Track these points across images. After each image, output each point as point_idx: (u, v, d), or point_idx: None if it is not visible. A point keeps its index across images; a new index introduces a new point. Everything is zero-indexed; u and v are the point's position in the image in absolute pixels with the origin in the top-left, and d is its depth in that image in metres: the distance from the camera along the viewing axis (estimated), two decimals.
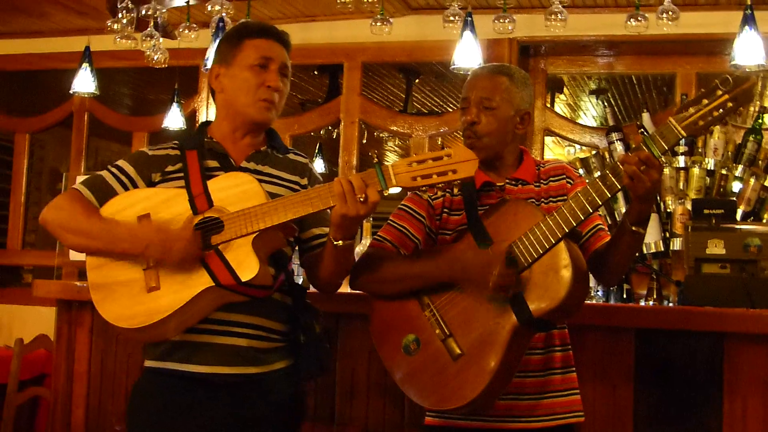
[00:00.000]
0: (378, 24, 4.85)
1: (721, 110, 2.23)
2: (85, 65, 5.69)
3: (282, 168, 2.67)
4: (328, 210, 2.47)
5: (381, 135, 8.21)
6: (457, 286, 2.47)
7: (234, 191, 2.46)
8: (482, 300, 2.40)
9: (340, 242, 2.44)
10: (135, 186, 2.57)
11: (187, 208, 2.46)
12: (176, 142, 2.68)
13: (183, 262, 2.37)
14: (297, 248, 2.76)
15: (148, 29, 5.06)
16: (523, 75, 2.70)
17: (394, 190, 2.36)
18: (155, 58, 5.23)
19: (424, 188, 2.32)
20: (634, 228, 2.38)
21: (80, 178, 2.66)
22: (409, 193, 2.71)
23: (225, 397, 2.49)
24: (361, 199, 2.31)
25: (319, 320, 2.63)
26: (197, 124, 3.26)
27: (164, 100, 6.74)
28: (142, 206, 2.48)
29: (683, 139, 2.27)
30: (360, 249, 4.01)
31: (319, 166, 8.81)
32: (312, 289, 2.76)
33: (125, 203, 2.51)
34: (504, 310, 2.35)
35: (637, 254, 2.66)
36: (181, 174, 2.55)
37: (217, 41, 2.78)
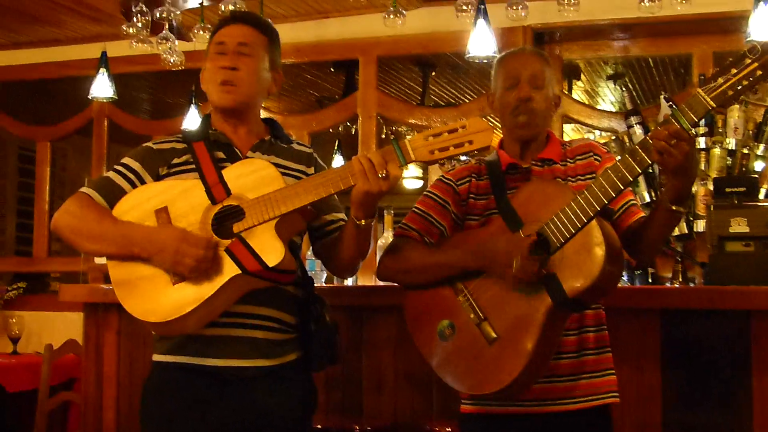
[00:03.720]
0: (391, 17, 4.84)
1: (750, 79, 2.18)
2: (102, 71, 5.72)
3: (287, 157, 2.65)
4: (336, 196, 2.49)
5: (399, 128, 8.21)
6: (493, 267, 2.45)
7: (251, 178, 2.44)
8: (516, 282, 2.38)
9: (363, 221, 2.43)
10: (143, 182, 2.54)
11: (204, 198, 2.44)
12: (179, 135, 2.66)
13: (192, 273, 2.34)
14: (308, 237, 2.74)
15: (163, 32, 5.08)
16: (552, 61, 2.72)
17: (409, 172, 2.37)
18: (171, 60, 5.25)
19: (442, 161, 2.33)
20: (674, 207, 2.34)
21: None
22: (435, 179, 2.72)
23: (239, 391, 2.47)
24: (382, 176, 2.31)
25: (327, 310, 2.62)
26: None
27: (182, 103, 6.78)
28: (158, 200, 2.45)
29: (713, 110, 2.21)
30: (382, 242, 4.02)
31: (338, 162, 8.82)
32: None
33: (141, 198, 2.49)
34: (538, 291, 2.33)
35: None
36: (189, 166, 2.53)
37: None
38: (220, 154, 2.57)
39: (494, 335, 2.40)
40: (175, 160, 2.57)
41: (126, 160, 2.60)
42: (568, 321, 2.46)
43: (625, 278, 4.58)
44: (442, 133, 2.32)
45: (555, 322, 2.36)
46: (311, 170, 2.67)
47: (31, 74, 6.95)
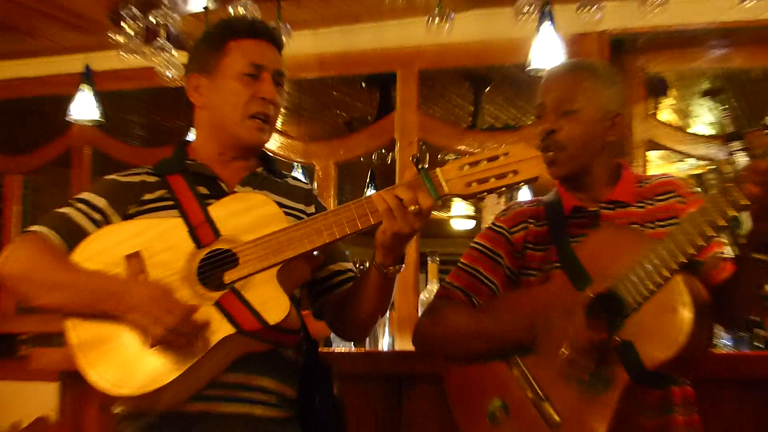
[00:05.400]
0: (436, 22, 4.87)
1: None
2: (84, 87, 5.77)
3: (283, 194, 2.63)
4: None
5: (446, 158, 8.24)
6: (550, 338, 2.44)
7: (247, 217, 2.43)
8: (581, 356, 2.36)
9: (391, 268, 2.42)
10: (109, 223, 2.50)
11: (187, 241, 2.41)
12: (149, 167, 2.65)
13: (162, 343, 2.28)
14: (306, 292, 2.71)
15: (159, 41, 5.13)
16: (609, 69, 2.69)
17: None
18: (168, 75, 5.30)
19: (482, 195, 2.31)
20: (755, 255, 2.31)
21: None
22: (483, 228, 2.71)
23: None
24: (414, 210, 2.29)
25: (336, 380, 2.58)
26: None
27: (181, 127, 6.82)
28: (131, 243, 2.40)
29: None
30: (425, 296, 4.02)
31: None
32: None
33: (109, 241, 2.43)
34: (611, 364, 2.31)
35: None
36: (165, 203, 2.51)
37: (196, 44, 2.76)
38: (203, 189, 2.56)
39: (557, 419, 2.39)
40: (147, 196, 2.55)
41: (86, 195, 2.56)
42: (649, 400, 2.44)
43: (729, 343, 4.53)
44: (481, 161, 2.31)
45: (632, 401, 2.33)
46: (311, 209, 2.67)
47: (0, 92, 7.06)
